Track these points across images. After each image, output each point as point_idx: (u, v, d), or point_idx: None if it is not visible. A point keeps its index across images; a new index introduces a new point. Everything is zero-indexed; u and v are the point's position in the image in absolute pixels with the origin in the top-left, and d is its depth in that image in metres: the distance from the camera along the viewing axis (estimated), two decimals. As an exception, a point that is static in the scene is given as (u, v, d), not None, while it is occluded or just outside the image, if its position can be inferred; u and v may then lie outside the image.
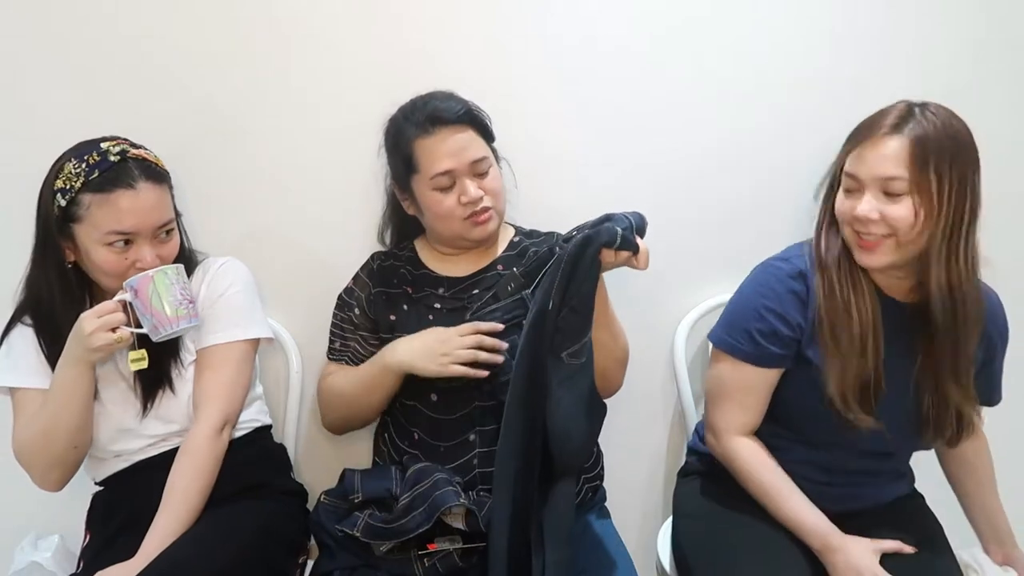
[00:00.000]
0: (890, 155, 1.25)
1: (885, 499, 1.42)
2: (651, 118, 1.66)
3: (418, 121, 1.41)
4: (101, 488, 1.44)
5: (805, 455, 1.40)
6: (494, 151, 1.49)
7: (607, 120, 1.65)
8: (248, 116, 1.59)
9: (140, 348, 1.31)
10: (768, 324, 1.35)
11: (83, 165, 1.29)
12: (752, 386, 1.39)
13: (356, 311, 1.50)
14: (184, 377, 1.40)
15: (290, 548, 1.43)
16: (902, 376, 1.34)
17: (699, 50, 1.64)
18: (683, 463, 1.63)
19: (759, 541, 1.34)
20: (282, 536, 1.40)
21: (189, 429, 1.37)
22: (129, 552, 1.25)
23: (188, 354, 1.41)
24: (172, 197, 1.39)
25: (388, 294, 1.49)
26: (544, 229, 1.59)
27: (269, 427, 1.55)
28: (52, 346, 1.35)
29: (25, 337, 1.37)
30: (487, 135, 1.46)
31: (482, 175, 1.42)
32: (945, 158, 1.24)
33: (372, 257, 1.56)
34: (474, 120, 1.43)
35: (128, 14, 1.53)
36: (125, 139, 1.37)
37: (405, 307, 1.47)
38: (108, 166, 1.30)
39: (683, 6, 1.62)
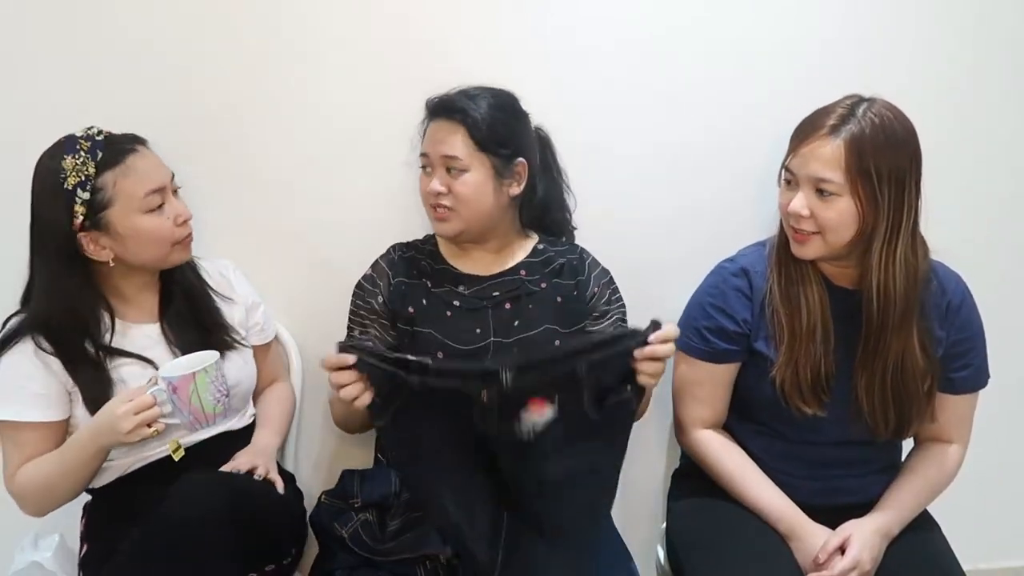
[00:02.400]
0: (824, 157, 1.28)
1: (874, 493, 1.43)
2: (652, 116, 1.67)
3: (429, 104, 1.47)
4: (91, 497, 1.43)
5: (781, 450, 1.43)
6: (504, 162, 1.43)
7: (607, 118, 1.66)
8: (251, 116, 1.59)
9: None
10: (715, 321, 1.42)
11: (82, 153, 1.29)
12: (708, 381, 1.45)
13: (379, 298, 1.48)
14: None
15: (291, 529, 1.44)
16: (850, 362, 1.37)
17: (700, 48, 1.65)
18: (678, 464, 1.64)
19: (751, 539, 1.36)
20: (291, 509, 1.42)
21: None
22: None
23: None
24: None
25: (407, 284, 1.48)
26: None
27: None
28: (80, 354, 1.32)
29: (15, 364, 1.30)
30: (480, 141, 1.40)
31: (454, 175, 1.41)
32: (882, 162, 1.26)
33: (392, 248, 1.54)
34: (466, 121, 1.40)
35: (133, 16, 1.53)
36: (87, 127, 1.34)
37: (424, 301, 1.47)
38: (102, 144, 1.31)
39: (684, 6, 1.63)
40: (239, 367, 1.45)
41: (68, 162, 1.28)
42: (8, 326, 1.34)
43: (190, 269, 1.46)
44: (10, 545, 1.44)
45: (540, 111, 1.57)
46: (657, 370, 1.18)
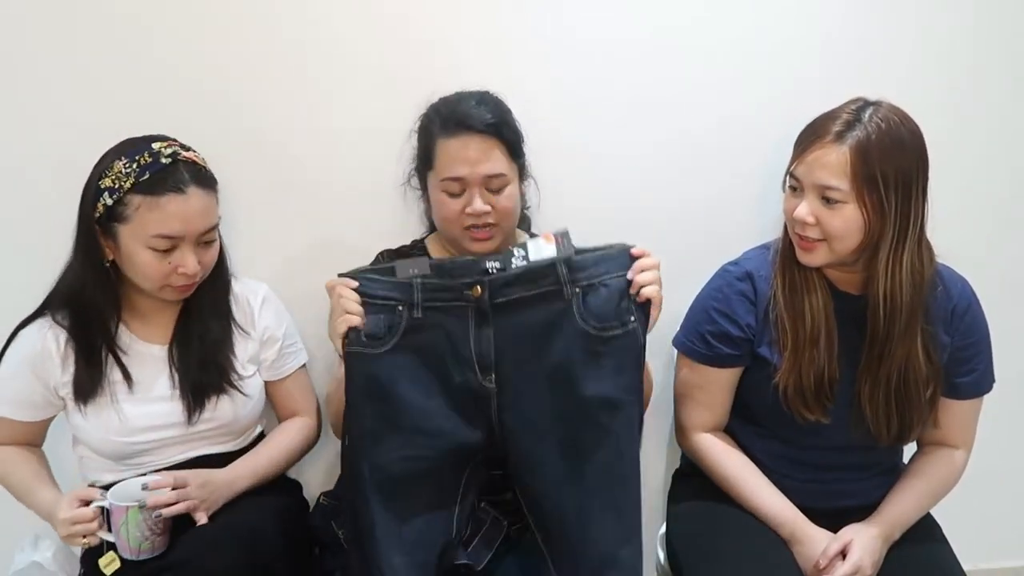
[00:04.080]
0: (830, 165, 1.26)
1: (876, 496, 1.43)
2: (651, 114, 1.66)
3: (445, 118, 1.37)
4: None
5: (783, 453, 1.43)
6: (522, 168, 1.46)
7: (608, 118, 1.66)
8: (250, 116, 1.59)
9: (111, 551, 1.29)
10: (718, 326, 1.40)
11: (134, 165, 1.28)
12: (710, 385, 1.44)
13: None
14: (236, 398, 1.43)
15: (304, 539, 1.44)
16: (853, 368, 1.36)
17: (701, 48, 1.64)
18: (678, 465, 1.64)
19: (752, 542, 1.36)
20: (299, 528, 1.42)
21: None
22: (129, 562, 1.28)
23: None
24: (217, 203, 1.38)
25: None
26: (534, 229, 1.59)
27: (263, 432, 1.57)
28: (85, 338, 1.36)
29: (14, 355, 1.37)
30: (514, 152, 1.40)
31: (495, 191, 1.37)
32: (889, 169, 1.24)
33: (382, 255, 1.52)
34: (501, 134, 1.37)
35: (132, 16, 1.52)
36: (175, 140, 1.36)
37: None
38: (159, 168, 1.29)
39: (686, 5, 1.62)
40: (225, 410, 1.41)
41: (118, 164, 1.29)
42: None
43: (223, 296, 1.44)
44: (10, 545, 1.44)
45: (540, 111, 1.57)
46: (654, 278, 1.20)
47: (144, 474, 1.38)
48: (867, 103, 1.30)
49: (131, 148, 1.31)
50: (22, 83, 1.52)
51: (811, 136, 1.30)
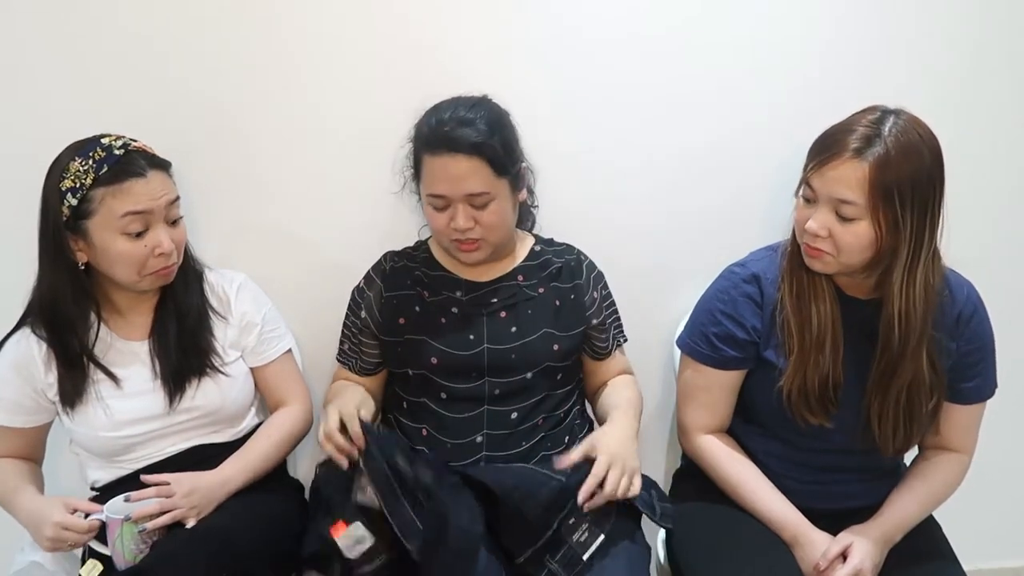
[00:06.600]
0: (847, 180, 1.24)
1: (877, 498, 1.42)
2: (652, 115, 1.66)
3: (430, 134, 1.36)
4: (97, 493, 1.44)
5: (785, 454, 1.43)
6: (515, 178, 1.43)
7: (609, 120, 1.65)
8: (255, 117, 1.58)
9: (96, 558, 1.30)
10: (724, 328, 1.39)
11: (90, 162, 1.29)
12: (714, 387, 1.44)
13: (362, 313, 1.49)
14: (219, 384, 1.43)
15: (298, 539, 1.43)
16: (860, 374, 1.35)
17: (706, 49, 1.64)
18: (679, 464, 1.64)
19: (752, 542, 1.36)
20: (292, 527, 1.42)
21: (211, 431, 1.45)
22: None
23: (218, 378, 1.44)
24: (175, 184, 1.39)
25: (399, 298, 1.47)
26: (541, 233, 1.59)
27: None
28: (63, 347, 1.36)
29: (1, 362, 1.38)
30: (499, 168, 1.36)
31: (479, 208, 1.37)
32: (906, 188, 1.23)
33: (384, 258, 1.53)
34: (484, 152, 1.34)
35: (133, 15, 1.52)
36: (120, 135, 1.37)
37: (418, 308, 1.46)
38: (115, 159, 1.31)
39: (693, 6, 1.62)
40: (210, 393, 1.42)
41: (74, 165, 1.30)
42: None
43: (195, 284, 1.46)
44: (10, 545, 1.44)
45: (543, 113, 1.56)
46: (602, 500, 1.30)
47: (139, 470, 1.39)
48: (886, 113, 1.27)
49: (81, 148, 1.32)
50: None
51: (830, 148, 1.27)
